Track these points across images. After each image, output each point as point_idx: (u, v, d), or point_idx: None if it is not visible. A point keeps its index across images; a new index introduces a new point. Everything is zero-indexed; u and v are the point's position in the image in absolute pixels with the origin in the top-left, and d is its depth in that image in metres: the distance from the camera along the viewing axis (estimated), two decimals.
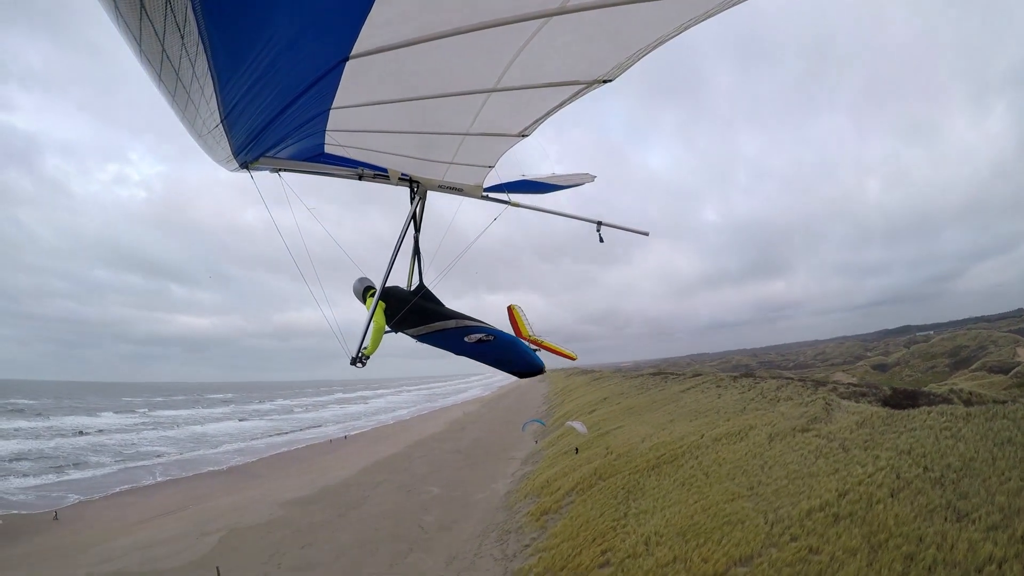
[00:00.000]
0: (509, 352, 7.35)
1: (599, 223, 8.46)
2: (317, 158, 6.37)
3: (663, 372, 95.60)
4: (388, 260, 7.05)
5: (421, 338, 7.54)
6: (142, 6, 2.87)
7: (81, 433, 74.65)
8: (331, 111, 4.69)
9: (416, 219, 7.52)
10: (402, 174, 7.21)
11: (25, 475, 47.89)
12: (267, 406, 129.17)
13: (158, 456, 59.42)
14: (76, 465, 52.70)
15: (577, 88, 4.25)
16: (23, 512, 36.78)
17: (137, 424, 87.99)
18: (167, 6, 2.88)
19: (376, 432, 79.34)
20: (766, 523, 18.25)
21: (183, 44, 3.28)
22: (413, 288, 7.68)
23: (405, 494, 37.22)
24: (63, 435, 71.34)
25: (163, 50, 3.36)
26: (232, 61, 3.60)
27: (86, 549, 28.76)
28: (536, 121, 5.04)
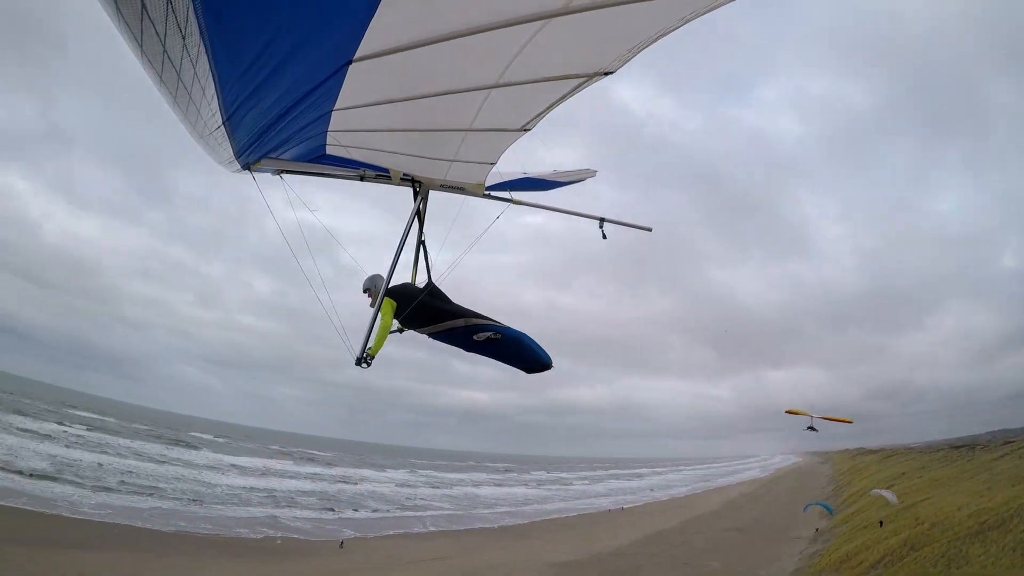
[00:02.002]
0: (517, 349, 7.39)
1: (602, 220, 8.42)
2: (319, 159, 6.29)
3: (969, 444, 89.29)
4: (392, 259, 7.17)
5: (432, 336, 7.49)
6: (143, 7, 2.85)
7: (360, 482, 79.28)
8: (333, 112, 4.61)
9: (420, 218, 7.46)
10: (404, 174, 7.17)
11: (307, 508, 51.41)
12: (540, 476, 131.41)
13: (431, 509, 60.82)
14: (354, 507, 55.41)
15: (578, 81, 4.17)
16: (299, 537, 39.14)
17: (413, 480, 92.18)
18: (168, 6, 2.84)
19: (650, 506, 78.37)
20: None
21: (184, 45, 3.25)
22: (422, 286, 7.60)
23: (682, 566, 35.76)
24: (346, 482, 75.85)
25: (164, 51, 3.36)
26: (234, 62, 3.55)
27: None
28: (538, 115, 4.96)
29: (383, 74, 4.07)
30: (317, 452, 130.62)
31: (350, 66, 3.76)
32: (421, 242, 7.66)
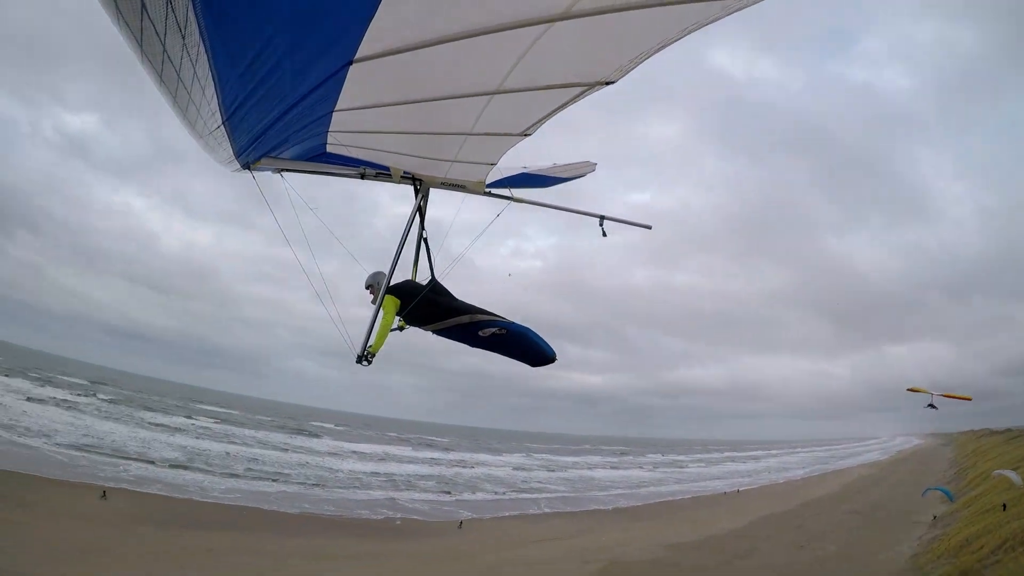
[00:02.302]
0: (522, 343, 7.41)
1: (602, 217, 8.38)
2: (319, 157, 6.29)
3: None
4: (393, 256, 7.19)
5: (436, 333, 7.49)
6: (143, 6, 2.85)
7: (476, 465, 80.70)
8: (334, 113, 4.62)
9: (421, 215, 7.49)
10: (404, 172, 7.16)
11: (425, 491, 52.97)
12: (655, 458, 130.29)
13: (546, 491, 61.52)
14: (470, 490, 56.56)
15: (579, 90, 4.19)
16: (418, 518, 40.35)
17: (529, 464, 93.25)
18: (168, 6, 2.83)
19: (765, 489, 77.38)
20: None
21: (184, 45, 3.25)
22: (425, 283, 7.58)
23: (797, 550, 35.18)
24: (463, 466, 77.44)
25: (164, 51, 3.36)
26: (233, 62, 3.55)
27: (476, 557, 30.98)
28: (539, 121, 4.97)
29: (385, 76, 4.08)
30: (434, 438, 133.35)
31: (351, 67, 3.79)
32: (423, 239, 7.69)
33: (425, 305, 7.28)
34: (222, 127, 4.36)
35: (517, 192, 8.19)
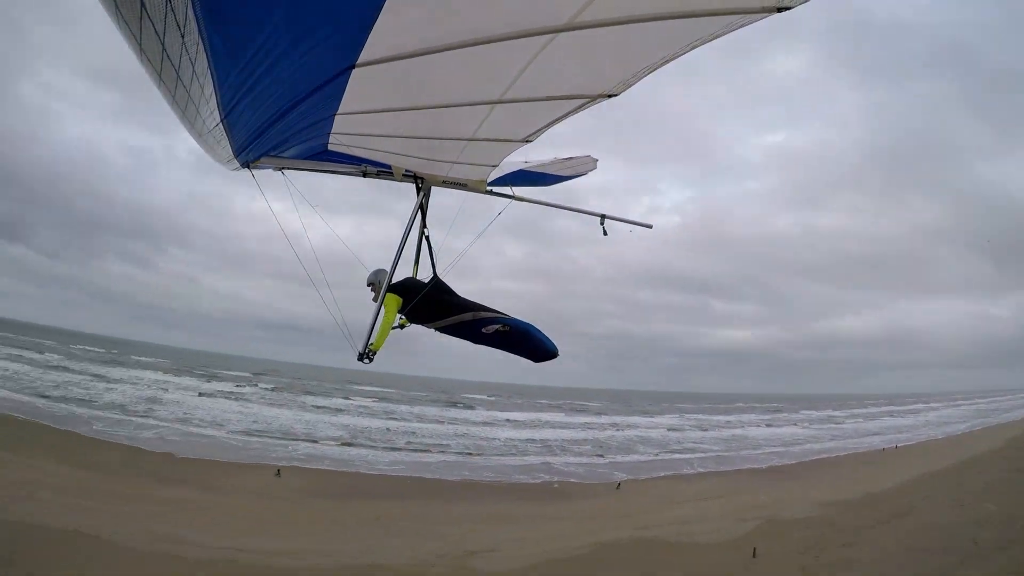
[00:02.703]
0: (525, 340, 7.49)
1: (603, 216, 8.39)
2: (320, 155, 6.28)
3: None
4: (394, 254, 7.18)
5: (439, 330, 7.53)
6: (143, 6, 2.82)
7: (629, 428, 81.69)
8: (336, 116, 4.64)
9: (423, 212, 7.49)
10: (406, 171, 7.15)
11: (579, 454, 54.38)
12: (809, 415, 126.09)
13: (700, 451, 61.89)
14: (624, 451, 57.92)
15: (582, 101, 4.23)
16: (574, 481, 41.89)
17: (681, 424, 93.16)
18: (167, 5, 2.82)
19: (925, 445, 72.48)
20: None
21: (183, 43, 3.26)
22: (427, 280, 7.62)
23: (957, 508, 33.12)
24: (616, 428, 78.74)
25: (163, 49, 3.37)
26: (232, 61, 3.56)
27: (630, 516, 31.30)
28: (540, 129, 5.02)
29: (388, 81, 4.10)
30: (585, 403, 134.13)
31: (353, 71, 3.82)
32: (425, 237, 7.70)
33: (428, 303, 7.35)
34: (220, 126, 4.40)
35: (519, 190, 8.32)
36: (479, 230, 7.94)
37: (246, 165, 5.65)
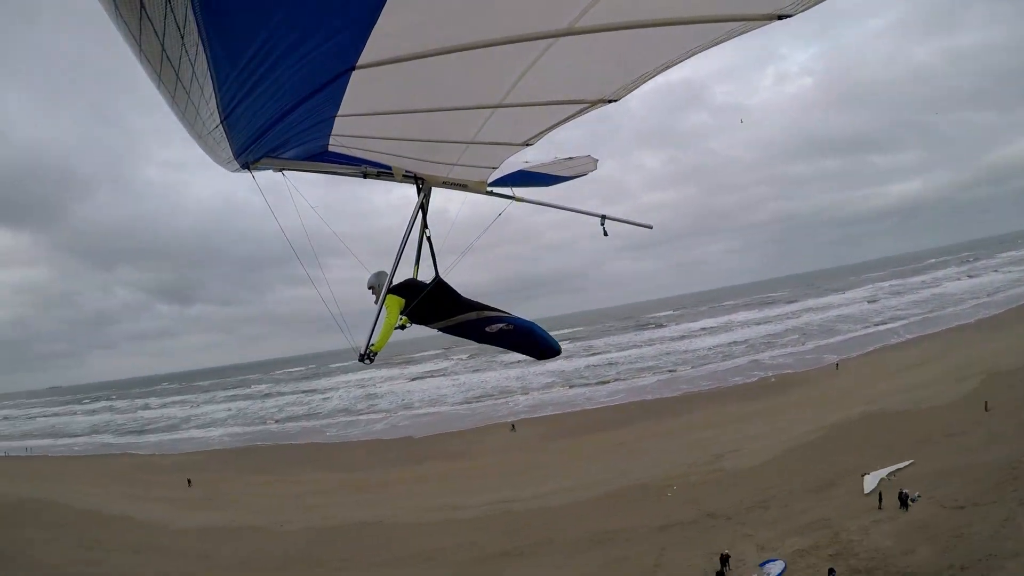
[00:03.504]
0: (528, 338, 7.51)
1: (603, 217, 8.28)
2: (320, 156, 6.23)
3: None
4: (395, 254, 7.05)
5: (443, 330, 7.54)
6: (142, 6, 2.78)
7: (825, 309, 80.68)
8: (336, 118, 4.65)
9: (424, 212, 7.34)
10: (406, 172, 7.07)
11: (783, 346, 56.38)
12: (1008, 256, 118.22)
13: (900, 319, 60.72)
14: (827, 333, 58.02)
15: (582, 106, 4.24)
16: (788, 371, 43.71)
17: (874, 295, 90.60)
18: (167, 5, 2.79)
19: None
20: None
21: (183, 44, 3.21)
22: (429, 281, 7.49)
23: None
24: (811, 312, 78.24)
25: (163, 50, 3.30)
26: (232, 63, 3.55)
27: (853, 392, 32.44)
28: (541, 132, 5.04)
29: (388, 84, 4.10)
30: (769, 294, 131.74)
31: (353, 73, 3.82)
32: (427, 238, 7.57)
33: (431, 303, 7.33)
34: (220, 127, 4.40)
35: (519, 191, 8.25)
36: (479, 231, 8.06)
37: (246, 166, 5.58)
